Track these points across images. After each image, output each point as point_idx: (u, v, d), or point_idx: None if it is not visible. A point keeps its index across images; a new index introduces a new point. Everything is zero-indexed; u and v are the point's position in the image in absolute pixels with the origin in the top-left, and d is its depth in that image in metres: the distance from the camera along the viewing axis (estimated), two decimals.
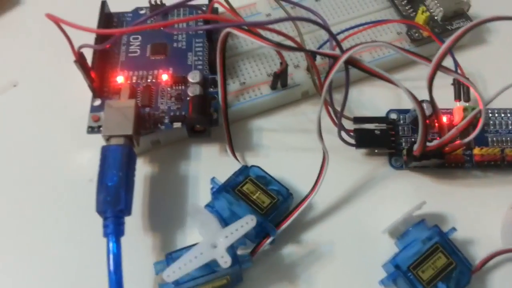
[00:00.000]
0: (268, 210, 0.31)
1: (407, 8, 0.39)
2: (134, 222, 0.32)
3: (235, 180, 0.32)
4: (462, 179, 0.34)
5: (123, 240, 0.29)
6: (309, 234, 0.32)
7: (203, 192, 0.33)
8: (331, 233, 0.32)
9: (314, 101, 0.37)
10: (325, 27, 0.28)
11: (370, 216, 0.33)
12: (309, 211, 0.33)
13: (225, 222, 0.30)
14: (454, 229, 0.29)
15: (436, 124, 0.33)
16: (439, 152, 0.31)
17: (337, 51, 0.28)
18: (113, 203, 0.29)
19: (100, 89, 0.35)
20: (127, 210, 0.30)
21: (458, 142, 0.31)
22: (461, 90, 0.34)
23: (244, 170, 0.32)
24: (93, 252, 0.29)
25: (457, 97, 0.34)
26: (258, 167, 0.32)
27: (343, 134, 0.33)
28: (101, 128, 0.33)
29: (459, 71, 0.35)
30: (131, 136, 0.32)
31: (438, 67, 0.26)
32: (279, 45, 0.27)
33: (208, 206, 0.31)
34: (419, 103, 0.28)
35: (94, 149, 0.31)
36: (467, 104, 0.34)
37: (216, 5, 0.37)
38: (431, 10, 0.38)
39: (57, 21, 0.29)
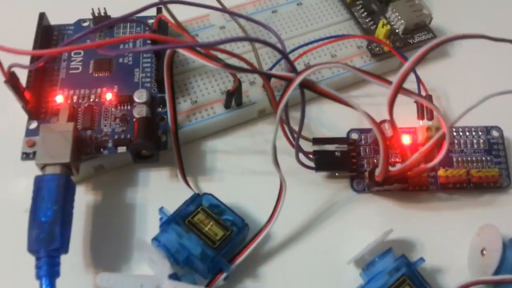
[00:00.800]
0: (221, 243, 0.28)
1: (367, 20, 0.37)
2: (73, 259, 0.29)
3: (186, 210, 0.29)
4: (427, 203, 0.32)
5: (60, 280, 0.26)
6: (268, 268, 0.30)
7: (152, 222, 0.31)
8: (292, 265, 0.30)
9: (271, 120, 0.35)
10: (277, 49, 0.25)
11: (333, 245, 0.31)
12: (267, 242, 0.30)
13: (173, 257, 0.27)
14: (422, 259, 0.28)
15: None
16: (402, 176, 0.29)
17: (291, 73, 0.26)
18: (47, 242, 0.26)
19: (37, 110, 0.32)
20: (63, 248, 0.27)
21: (422, 166, 0.29)
22: (424, 109, 0.32)
23: (196, 198, 0.30)
24: None
25: (420, 116, 0.33)
26: (211, 195, 0.30)
27: (302, 156, 0.31)
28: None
29: (421, 87, 0.33)
30: (69, 164, 0.29)
31: (399, 90, 0.24)
32: (227, 66, 0.24)
33: (155, 239, 0.28)
34: (379, 127, 0.26)
35: (30, 177, 0.28)
36: (430, 123, 0.32)
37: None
38: (392, 23, 0.37)
39: None
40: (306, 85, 0.25)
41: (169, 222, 0.28)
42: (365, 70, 0.25)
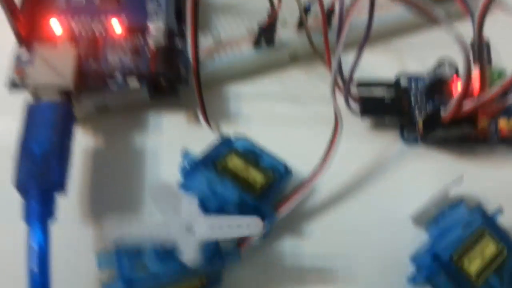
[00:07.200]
0: (263, 190, 0.23)
1: None
2: (68, 208, 0.23)
3: (217, 152, 0.24)
4: (487, 156, 0.28)
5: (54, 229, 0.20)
6: (313, 226, 0.25)
7: (165, 170, 0.26)
8: (340, 223, 0.25)
9: (304, 67, 0.30)
10: None
11: (385, 201, 0.26)
12: (310, 197, 0.25)
13: (203, 205, 0.22)
14: (500, 210, 0.23)
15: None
16: (472, 118, 0.25)
17: None
18: (41, 174, 0.21)
19: (30, 35, 0.26)
20: (61, 185, 0.21)
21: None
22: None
23: (227, 141, 0.24)
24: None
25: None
26: (245, 138, 0.25)
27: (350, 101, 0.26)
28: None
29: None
30: (70, 91, 0.23)
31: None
32: None
33: (179, 187, 0.23)
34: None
35: (16, 114, 0.22)
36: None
37: None
38: None
39: None
40: None
41: (196, 166, 0.23)
42: None
